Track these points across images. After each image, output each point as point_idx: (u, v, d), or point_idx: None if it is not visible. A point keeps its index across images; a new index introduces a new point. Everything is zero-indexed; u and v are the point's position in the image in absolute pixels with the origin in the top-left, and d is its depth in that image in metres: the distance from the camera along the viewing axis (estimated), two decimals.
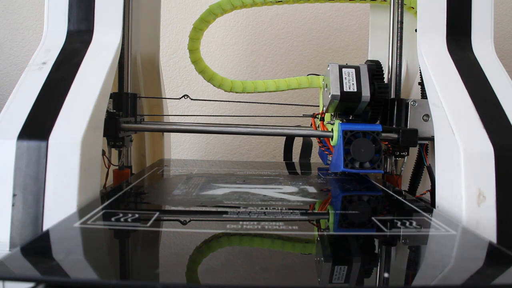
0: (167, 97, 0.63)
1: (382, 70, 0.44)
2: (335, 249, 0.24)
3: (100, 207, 0.28)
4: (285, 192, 0.36)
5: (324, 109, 0.44)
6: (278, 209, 0.30)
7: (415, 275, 0.20)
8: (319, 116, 0.46)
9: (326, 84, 0.42)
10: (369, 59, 0.49)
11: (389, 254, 0.23)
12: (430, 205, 0.33)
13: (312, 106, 0.52)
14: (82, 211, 0.27)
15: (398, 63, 0.46)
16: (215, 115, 0.66)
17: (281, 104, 0.60)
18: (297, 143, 0.62)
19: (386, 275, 0.20)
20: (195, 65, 0.50)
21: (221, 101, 0.57)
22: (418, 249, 0.24)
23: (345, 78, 0.40)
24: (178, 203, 0.32)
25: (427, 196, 0.44)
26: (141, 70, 0.55)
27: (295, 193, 0.36)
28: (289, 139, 0.61)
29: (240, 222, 0.26)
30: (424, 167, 0.47)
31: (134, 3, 0.46)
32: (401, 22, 0.45)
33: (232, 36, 0.84)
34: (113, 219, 0.26)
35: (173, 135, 0.80)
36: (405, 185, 0.50)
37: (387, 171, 0.47)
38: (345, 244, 0.24)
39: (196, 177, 0.42)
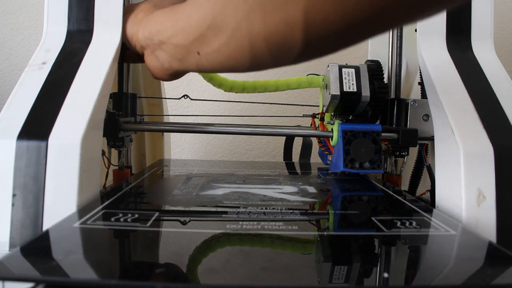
0: (167, 97, 0.63)
1: (382, 70, 0.44)
2: (335, 249, 0.24)
3: (100, 207, 0.28)
4: (285, 192, 0.36)
5: (324, 109, 0.44)
6: (278, 209, 0.30)
7: (415, 275, 0.20)
8: (319, 116, 0.46)
9: (326, 84, 0.42)
10: (369, 59, 0.50)
11: (389, 254, 0.23)
12: (430, 205, 0.33)
13: (312, 106, 0.52)
14: (82, 211, 0.27)
15: (398, 63, 0.46)
16: (215, 115, 0.66)
17: (281, 104, 0.60)
18: (297, 143, 0.62)
19: (386, 275, 0.20)
20: None
21: (221, 101, 0.57)
22: (418, 249, 0.24)
23: (345, 78, 0.40)
24: (178, 203, 0.32)
25: (427, 196, 0.44)
26: (141, 70, 0.55)
27: (295, 193, 0.36)
28: (289, 139, 0.61)
29: (240, 222, 0.26)
30: (424, 167, 0.47)
31: (134, 2, 0.46)
32: None
33: None
34: (112, 219, 0.26)
35: (173, 135, 0.80)
36: (405, 185, 0.50)
37: (387, 171, 0.47)
38: (345, 244, 0.24)
39: (196, 177, 0.42)
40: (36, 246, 0.21)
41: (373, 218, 0.28)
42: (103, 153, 0.39)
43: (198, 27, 0.28)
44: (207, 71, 0.30)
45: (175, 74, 0.35)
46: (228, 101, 0.54)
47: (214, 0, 0.26)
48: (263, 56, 0.26)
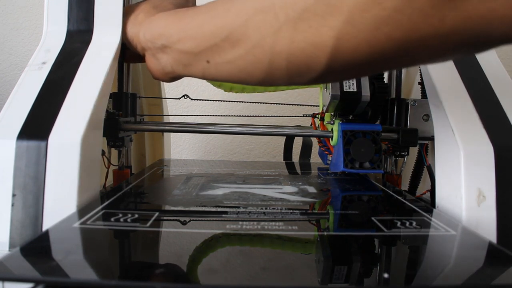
0: (167, 97, 0.63)
1: None
2: (335, 249, 0.24)
3: (100, 207, 0.28)
4: (285, 192, 0.36)
5: (324, 109, 0.44)
6: (278, 209, 0.30)
7: (415, 275, 0.20)
8: (319, 116, 0.46)
9: (326, 84, 0.42)
10: None
11: (389, 254, 0.23)
12: (430, 205, 0.33)
13: (312, 106, 0.52)
14: (82, 211, 0.27)
15: None
16: (215, 115, 0.66)
17: (281, 104, 0.60)
18: (297, 143, 0.62)
19: (386, 275, 0.20)
20: None
21: (221, 101, 0.57)
22: (418, 249, 0.24)
23: None
24: (178, 203, 0.32)
25: (427, 196, 0.44)
26: (141, 70, 0.55)
27: (295, 193, 0.36)
28: (289, 139, 0.61)
29: (240, 222, 0.26)
30: (424, 167, 0.47)
31: (134, 3, 0.46)
32: None
33: None
34: (112, 219, 0.26)
35: (173, 135, 0.80)
36: (405, 185, 0.50)
37: (387, 171, 0.47)
38: (345, 244, 0.24)
39: (196, 177, 0.42)
40: (36, 246, 0.21)
41: (373, 218, 0.28)
42: (103, 153, 0.39)
43: (213, 37, 0.27)
44: (213, 80, 0.30)
45: (176, 77, 0.35)
46: (228, 101, 0.54)
47: (236, 12, 0.26)
48: (280, 73, 0.25)
